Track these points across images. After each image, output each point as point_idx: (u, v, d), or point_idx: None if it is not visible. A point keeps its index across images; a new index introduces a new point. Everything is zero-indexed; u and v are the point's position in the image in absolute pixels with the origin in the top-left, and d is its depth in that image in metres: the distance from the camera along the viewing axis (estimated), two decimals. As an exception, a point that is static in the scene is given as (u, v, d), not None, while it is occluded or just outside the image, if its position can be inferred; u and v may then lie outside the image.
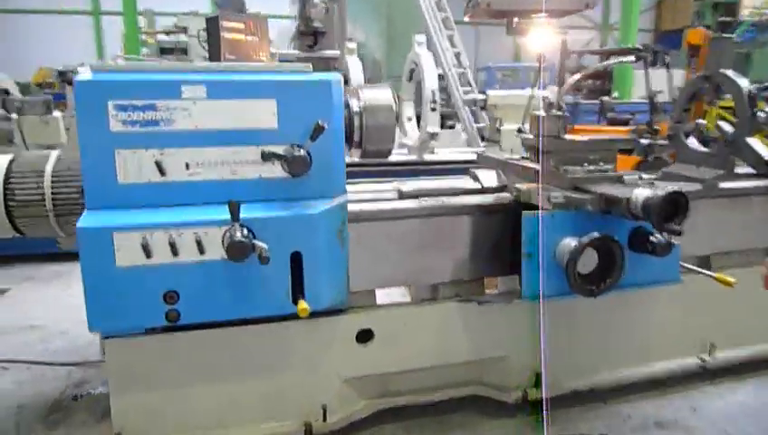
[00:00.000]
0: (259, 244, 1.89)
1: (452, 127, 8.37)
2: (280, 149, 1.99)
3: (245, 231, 1.90)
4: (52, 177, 2.19)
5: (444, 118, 9.23)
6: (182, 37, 9.65)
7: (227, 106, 1.98)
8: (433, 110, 4.77)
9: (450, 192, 2.64)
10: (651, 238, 2.15)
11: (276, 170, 2.02)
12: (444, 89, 7.98)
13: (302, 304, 1.94)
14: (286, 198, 2.07)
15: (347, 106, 2.23)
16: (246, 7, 7.80)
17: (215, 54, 2.24)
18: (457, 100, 6.29)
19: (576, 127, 7.94)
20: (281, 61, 6.33)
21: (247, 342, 2.15)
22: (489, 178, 2.76)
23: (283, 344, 2.20)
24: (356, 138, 2.24)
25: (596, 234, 2.09)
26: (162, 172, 1.94)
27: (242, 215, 1.89)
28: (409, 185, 2.65)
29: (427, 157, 5.15)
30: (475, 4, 2.25)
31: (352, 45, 4.86)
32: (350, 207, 2.20)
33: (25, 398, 2.66)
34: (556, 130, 2.28)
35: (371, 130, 2.21)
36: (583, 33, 22.00)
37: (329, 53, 6.48)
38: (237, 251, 1.84)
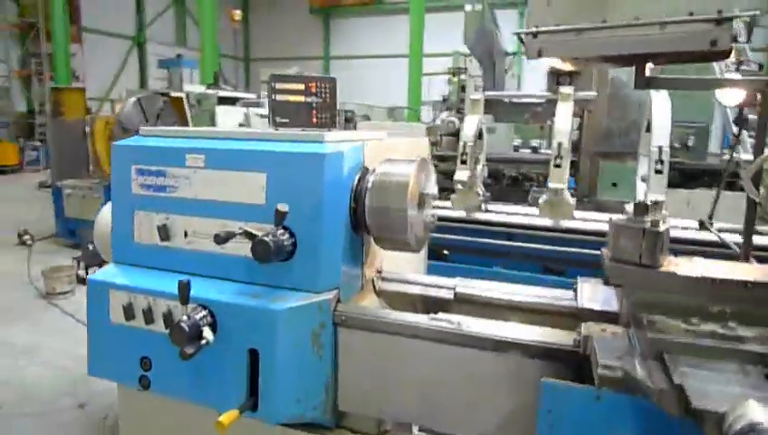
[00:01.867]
0: (206, 333, 1.70)
1: (741, 190, 6.25)
2: (262, 230, 1.74)
3: (200, 315, 1.73)
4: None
5: (735, 177, 7.01)
6: (463, 76, 10.15)
7: (220, 177, 1.86)
8: (658, 172, 3.56)
9: (517, 306, 1.90)
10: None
11: (261, 251, 1.78)
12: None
13: (224, 416, 1.63)
14: (269, 285, 1.81)
15: (363, 180, 1.82)
16: (503, 48, 7.57)
17: (271, 118, 2.16)
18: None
19: None
20: (514, 104, 5.87)
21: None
22: (598, 295, 1.88)
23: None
24: (368, 221, 1.80)
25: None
26: (163, 237, 1.95)
27: (198, 295, 1.74)
28: (476, 285, 2.02)
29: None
30: (530, 51, 1.56)
31: (567, 90, 4.08)
32: (344, 308, 1.78)
33: (91, 396, 3.06)
34: (637, 250, 1.35)
35: (374, 212, 1.74)
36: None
37: (582, 94, 5.70)
38: (175, 334, 1.68)
